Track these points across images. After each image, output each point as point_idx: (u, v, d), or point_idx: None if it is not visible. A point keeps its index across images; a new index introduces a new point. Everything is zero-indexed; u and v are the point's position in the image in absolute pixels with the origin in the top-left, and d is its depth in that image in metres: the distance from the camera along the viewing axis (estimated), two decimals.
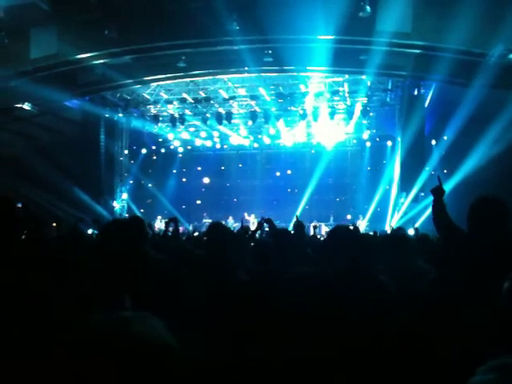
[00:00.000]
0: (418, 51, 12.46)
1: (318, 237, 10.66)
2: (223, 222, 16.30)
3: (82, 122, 18.89)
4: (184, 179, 25.78)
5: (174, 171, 25.20)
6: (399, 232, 7.60)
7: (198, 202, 25.03)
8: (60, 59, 13.02)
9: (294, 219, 6.35)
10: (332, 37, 11.95)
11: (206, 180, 25.43)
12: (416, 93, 16.66)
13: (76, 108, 18.13)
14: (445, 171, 16.33)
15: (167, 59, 14.42)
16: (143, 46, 13.15)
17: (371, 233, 10.58)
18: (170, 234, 5.96)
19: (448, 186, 15.80)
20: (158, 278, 3.39)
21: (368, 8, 10.92)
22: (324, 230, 21.37)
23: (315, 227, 11.74)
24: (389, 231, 18.09)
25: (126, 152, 22.14)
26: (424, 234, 6.65)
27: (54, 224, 16.45)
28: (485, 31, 11.05)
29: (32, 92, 13.84)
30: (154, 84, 17.91)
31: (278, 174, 24.29)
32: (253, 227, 20.95)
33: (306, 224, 21.73)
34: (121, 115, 20.81)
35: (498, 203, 3.30)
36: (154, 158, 24.74)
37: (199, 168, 26.04)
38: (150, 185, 23.38)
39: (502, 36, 10.75)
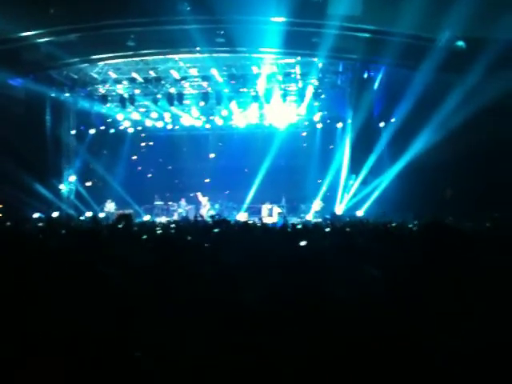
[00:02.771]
0: (368, 35, 12.64)
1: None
2: (175, 204, 16.09)
3: (26, 101, 18.10)
4: (134, 160, 25.31)
5: (124, 152, 24.65)
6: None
7: (144, 187, 24.66)
8: (1, 37, 12.39)
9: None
10: (284, 19, 11.95)
11: (158, 161, 25.14)
12: (366, 76, 16.93)
13: (20, 87, 17.36)
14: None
15: (115, 37, 14.00)
16: (89, 25, 12.73)
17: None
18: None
19: (395, 169, 16.28)
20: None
21: None
22: (275, 211, 21.62)
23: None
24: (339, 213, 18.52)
25: (74, 132, 21.46)
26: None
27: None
28: (434, 17, 11.33)
29: None
30: (102, 63, 17.38)
31: (228, 154, 24.19)
32: (205, 209, 21.00)
33: (258, 205, 21.89)
34: (67, 95, 20.06)
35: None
36: (103, 139, 24.08)
37: (150, 149, 25.63)
38: (98, 166, 22.78)
39: (450, 22, 11.05)
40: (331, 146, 22.44)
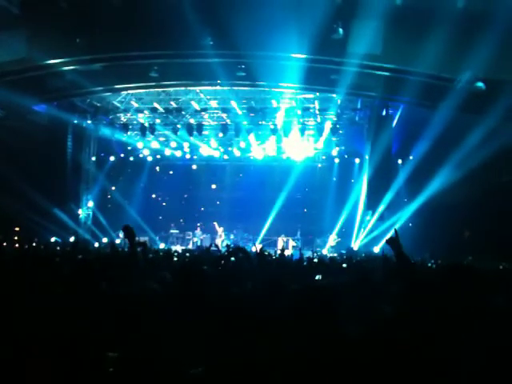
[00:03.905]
0: (387, 73, 12.73)
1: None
2: (190, 233, 16.05)
3: (49, 128, 18.50)
4: (152, 188, 25.53)
5: (142, 180, 24.92)
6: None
7: (160, 215, 24.80)
8: (29, 64, 12.76)
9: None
10: (304, 56, 12.11)
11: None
12: (384, 113, 16.98)
13: (44, 113, 17.78)
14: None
15: (139, 68, 14.31)
16: (114, 55, 13.05)
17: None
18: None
19: (412, 207, 16.15)
20: None
21: (341, 31, 11.13)
22: (291, 244, 21.53)
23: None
24: (355, 248, 18.37)
25: (94, 159, 21.83)
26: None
27: (17, 228, 16.12)
28: (454, 57, 11.38)
29: None
30: (125, 92, 17.76)
31: (245, 186, 24.28)
32: (220, 239, 20.99)
33: (273, 237, 21.79)
34: (89, 122, 20.53)
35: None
36: (122, 166, 24.42)
37: (168, 178, 25.86)
38: (116, 193, 23.03)
39: (470, 63, 11.09)
40: (349, 180, 22.41)
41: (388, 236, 3.98)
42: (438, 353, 2.72)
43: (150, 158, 24.57)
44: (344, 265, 9.37)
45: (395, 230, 4.00)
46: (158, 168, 25.71)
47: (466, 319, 2.96)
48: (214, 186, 25.49)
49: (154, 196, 25.81)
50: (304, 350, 2.81)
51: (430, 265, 10.28)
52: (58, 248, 12.52)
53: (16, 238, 14.44)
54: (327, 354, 2.74)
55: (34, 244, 11.90)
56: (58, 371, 2.85)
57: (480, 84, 11.73)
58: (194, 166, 25.06)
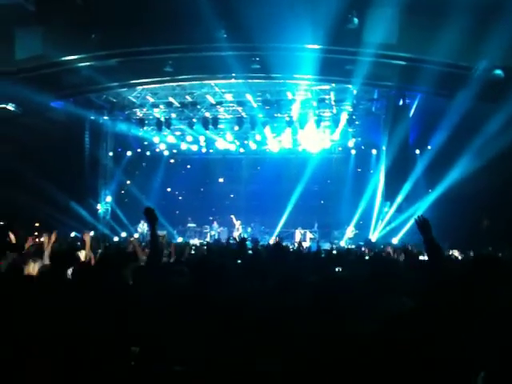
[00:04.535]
0: (403, 62, 12.55)
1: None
2: (207, 226, 16.13)
3: (66, 124, 18.66)
4: (169, 182, 25.66)
5: (159, 174, 25.07)
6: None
7: (178, 209, 24.92)
8: (45, 61, 12.87)
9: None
10: (319, 46, 12.01)
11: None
12: (401, 103, 16.77)
13: (60, 109, 17.93)
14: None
15: (154, 63, 14.32)
16: (129, 50, 13.08)
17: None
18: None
19: (430, 197, 15.97)
20: None
21: (356, 20, 11.01)
22: (308, 236, 21.49)
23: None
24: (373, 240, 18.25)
25: (111, 154, 22.01)
26: None
27: (37, 224, 16.34)
28: (470, 45, 11.18)
29: (16, 93, 13.68)
30: (140, 87, 17.81)
31: (262, 179, 24.26)
32: (237, 232, 21.04)
33: (291, 230, 21.77)
34: (106, 118, 20.69)
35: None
36: (139, 161, 24.59)
37: (184, 172, 25.96)
38: (133, 188, 23.19)
39: (487, 51, 10.90)
40: (366, 171, 22.25)
41: (419, 220, 3.85)
42: (463, 348, 2.68)
43: (166, 153, 24.70)
44: (366, 257, 9.32)
45: (422, 217, 3.89)
46: (174, 162, 25.81)
47: (493, 313, 2.92)
48: (230, 180, 25.51)
49: (170, 190, 25.93)
50: (319, 345, 2.80)
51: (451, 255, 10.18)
52: (79, 243, 12.66)
53: (36, 233, 14.65)
54: (342, 348, 2.72)
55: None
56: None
57: (498, 72, 11.52)
58: (210, 160, 25.09)
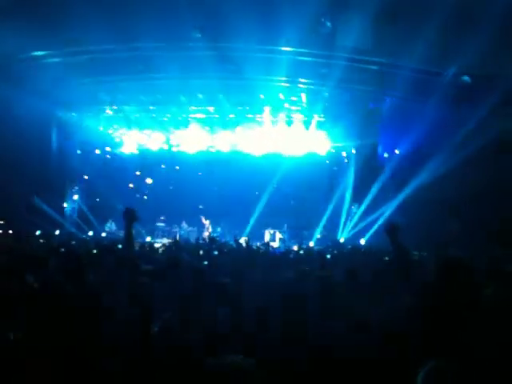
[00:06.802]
0: (375, 67, 12.77)
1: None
2: (177, 226, 15.98)
3: (34, 120, 18.18)
4: (138, 182, 25.33)
5: (128, 173, 24.72)
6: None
7: (146, 208, 24.64)
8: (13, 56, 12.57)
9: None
10: (293, 49, 12.08)
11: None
12: (372, 107, 17.03)
13: (29, 105, 17.45)
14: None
15: (126, 60, 14.16)
16: (101, 47, 12.87)
17: None
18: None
19: (397, 200, 16.26)
20: None
21: (328, 24, 11.10)
22: (278, 236, 21.59)
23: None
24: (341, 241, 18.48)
25: (79, 152, 21.58)
26: None
27: (1, 222, 15.88)
28: (441, 51, 11.45)
29: None
30: (110, 84, 17.49)
31: (232, 180, 24.17)
32: (207, 232, 20.93)
33: (261, 230, 21.72)
34: (74, 114, 20.24)
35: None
36: (108, 159, 24.18)
37: (153, 171, 25.64)
38: (102, 186, 22.79)
39: (457, 57, 11.19)
40: (336, 174, 22.46)
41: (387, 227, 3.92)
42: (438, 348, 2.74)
43: (135, 151, 24.31)
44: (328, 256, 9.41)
45: (392, 223, 3.97)
46: (143, 161, 25.43)
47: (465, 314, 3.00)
48: (200, 180, 25.34)
49: (139, 189, 25.59)
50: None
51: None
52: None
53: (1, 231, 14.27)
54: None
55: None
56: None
57: (466, 78, 11.84)
58: (181, 159, 24.84)
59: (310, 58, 12.76)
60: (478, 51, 10.66)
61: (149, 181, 25.18)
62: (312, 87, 16.50)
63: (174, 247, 10.08)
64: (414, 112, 14.51)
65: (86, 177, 21.92)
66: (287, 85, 16.53)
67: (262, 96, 18.04)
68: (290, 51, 12.25)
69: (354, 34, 11.22)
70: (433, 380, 2.11)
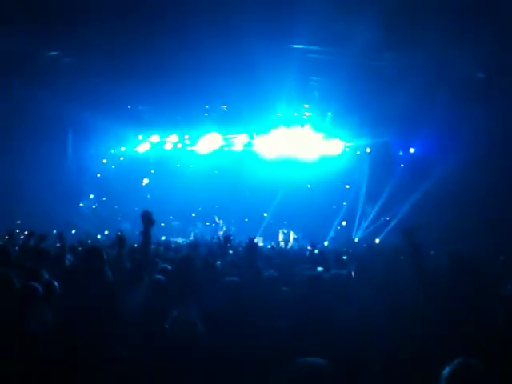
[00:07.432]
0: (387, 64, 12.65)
1: None
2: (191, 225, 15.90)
3: (49, 119, 18.34)
4: (153, 181, 25.39)
5: (143, 173, 24.82)
6: None
7: (161, 208, 24.75)
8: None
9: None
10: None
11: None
12: (386, 104, 16.84)
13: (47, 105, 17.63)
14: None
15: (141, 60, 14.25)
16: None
17: None
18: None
19: (412, 199, 16.11)
20: None
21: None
22: (292, 236, 21.54)
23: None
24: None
25: (94, 151, 21.79)
26: None
27: (18, 222, 16.09)
28: (455, 49, 11.32)
29: None
30: None
31: (247, 179, 24.10)
32: (221, 232, 20.98)
33: (275, 229, 21.64)
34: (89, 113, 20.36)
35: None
36: (123, 159, 24.32)
37: (169, 171, 25.64)
38: (117, 187, 22.96)
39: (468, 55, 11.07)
40: (351, 173, 22.29)
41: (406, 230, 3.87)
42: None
43: (150, 151, 24.34)
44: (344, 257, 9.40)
45: (411, 224, 3.94)
46: (158, 160, 25.44)
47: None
48: (214, 179, 25.28)
49: (154, 188, 25.62)
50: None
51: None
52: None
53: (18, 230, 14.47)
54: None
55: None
56: None
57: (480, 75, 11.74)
58: (196, 159, 24.82)
59: (321, 56, 12.70)
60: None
61: (163, 180, 25.19)
62: (324, 85, 16.36)
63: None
64: (428, 109, 14.38)
65: (98, 175, 22.10)
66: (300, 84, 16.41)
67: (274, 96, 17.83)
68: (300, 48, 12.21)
69: (366, 31, 11.11)
70: (460, 378, 2.11)
